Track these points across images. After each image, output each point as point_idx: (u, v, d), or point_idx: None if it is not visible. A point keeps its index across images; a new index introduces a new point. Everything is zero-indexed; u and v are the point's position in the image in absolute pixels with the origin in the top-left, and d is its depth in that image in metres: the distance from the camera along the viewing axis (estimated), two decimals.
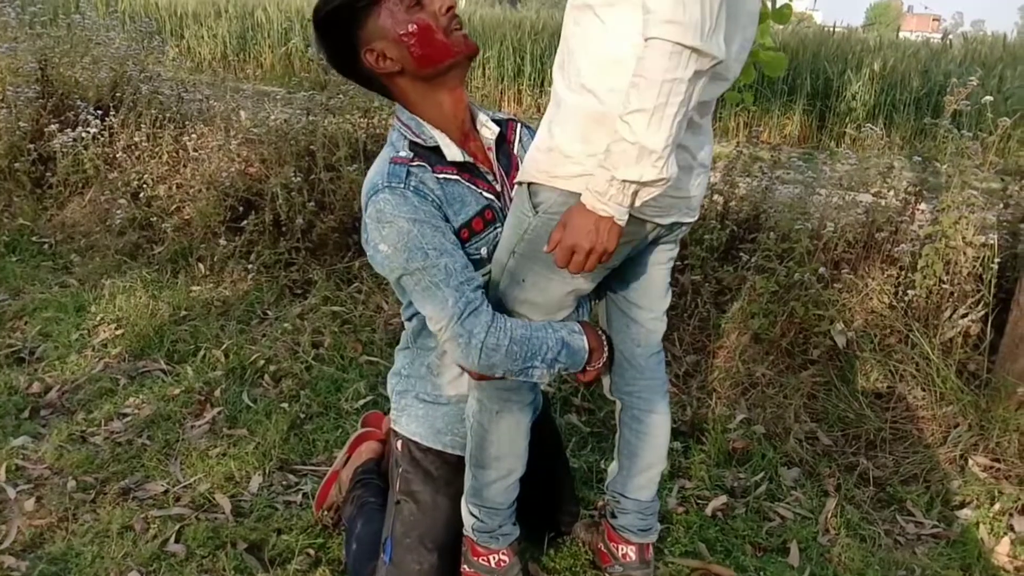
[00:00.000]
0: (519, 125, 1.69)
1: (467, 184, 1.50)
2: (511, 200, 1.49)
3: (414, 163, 1.45)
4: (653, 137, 1.10)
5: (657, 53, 1.08)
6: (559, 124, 1.29)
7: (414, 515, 1.68)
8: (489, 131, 1.59)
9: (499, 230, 1.51)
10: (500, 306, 1.46)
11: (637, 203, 1.19)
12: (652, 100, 1.08)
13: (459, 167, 1.51)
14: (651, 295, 1.57)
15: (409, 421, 1.70)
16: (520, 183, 1.37)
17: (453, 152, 1.50)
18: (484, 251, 1.52)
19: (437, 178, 1.46)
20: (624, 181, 1.14)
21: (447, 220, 1.45)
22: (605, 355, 1.55)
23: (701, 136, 1.37)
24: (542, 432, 1.68)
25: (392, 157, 1.47)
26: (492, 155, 1.59)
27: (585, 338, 1.48)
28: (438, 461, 1.69)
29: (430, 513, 1.68)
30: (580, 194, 1.24)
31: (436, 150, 1.49)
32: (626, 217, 1.20)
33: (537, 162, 1.32)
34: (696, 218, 1.47)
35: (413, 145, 1.49)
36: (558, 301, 1.45)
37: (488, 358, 1.38)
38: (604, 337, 1.57)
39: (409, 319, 1.66)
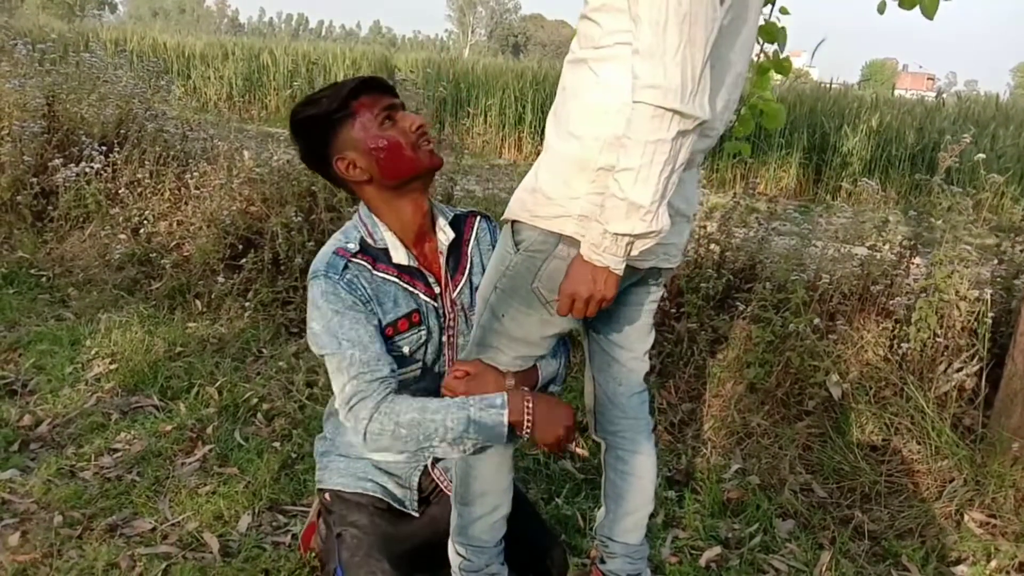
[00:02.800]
0: (479, 220, 1.78)
1: (404, 285, 1.61)
2: (452, 302, 1.68)
3: (356, 258, 1.58)
4: (640, 193, 1.17)
5: (641, 116, 1.15)
6: (544, 167, 1.36)
7: (356, 538, 1.70)
8: (445, 236, 1.69)
9: (423, 332, 1.65)
10: (482, 340, 1.50)
11: (634, 253, 1.25)
12: (637, 160, 1.16)
13: (402, 269, 1.62)
14: (632, 336, 1.61)
15: (331, 475, 1.77)
16: (505, 221, 1.44)
17: (400, 255, 1.62)
18: (406, 349, 1.63)
19: (374, 275, 1.58)
20: (616, 234, 1.21)
21: (375, 314, 1.56)
22: (528, 418, 1.47)
23: (681, 187, 1.41)
24: None
25: (338, 248, 1.59)
26: (442, 259, 1.69)
27: (506, 412, 1.46)
28: (364, 500, 1.74)
29: (371, 531, 1.70)
30: (559, 235, 1.32)
31: (385, 251, 1.62)
32: (622, 267, 1.26)
33: (522, 202, 1.38)
34: (677, 265, 1.53)
35: (364, 242, 1.61)
36: (536, 338, 1.48)
37: (374, 442, 1.49)
38: (530, 405, 1.48)
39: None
